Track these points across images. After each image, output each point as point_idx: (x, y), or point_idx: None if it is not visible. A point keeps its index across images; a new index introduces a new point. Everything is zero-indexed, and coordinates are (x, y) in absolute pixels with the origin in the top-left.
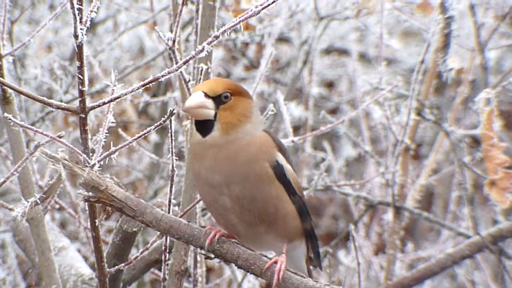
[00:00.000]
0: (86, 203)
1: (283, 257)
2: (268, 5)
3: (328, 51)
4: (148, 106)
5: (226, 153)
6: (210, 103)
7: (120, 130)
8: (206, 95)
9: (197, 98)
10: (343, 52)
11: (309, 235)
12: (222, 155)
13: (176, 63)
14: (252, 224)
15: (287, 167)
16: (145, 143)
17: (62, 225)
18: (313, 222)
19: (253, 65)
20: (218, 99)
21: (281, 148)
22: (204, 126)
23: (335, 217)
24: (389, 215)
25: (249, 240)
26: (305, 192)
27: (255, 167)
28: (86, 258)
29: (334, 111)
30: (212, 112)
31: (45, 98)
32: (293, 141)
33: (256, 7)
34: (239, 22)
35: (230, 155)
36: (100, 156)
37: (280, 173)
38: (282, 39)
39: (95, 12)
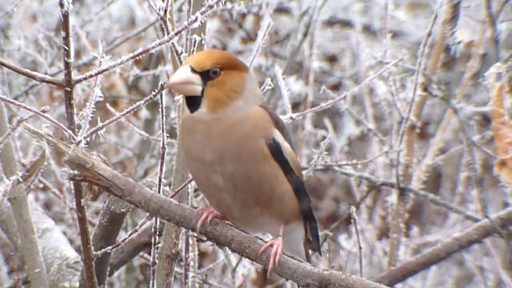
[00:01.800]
0: (72, 182)
1: (279, 240)
2: None
3: (330, 22)
4: (139, 80)
5: (218, 129)
6: (196, 78)
7: (108, 105)
8: (193, 70)
9: (182, 74)
10: (346, 24)
11: (307, 216)
12: (214, 131)
13: (168, 34)
14: (246, 205)
15: (285, 145)
16: (135, 119)
17: (46, 205)
18: (311, 203)
19: (250, 37)
20: (206, 75)
21: (278, 125)
22: (192, 101)
23: (336, 199)
24: (393, 197)
25: (244, 222)
26: (304, 172)
27: (249, 144)
28: (71, 241)
29: (336, 87)
30: (199, 88)
31: (28, 71)
32: (291, 118)
33: None
34: None
35: (222, 131)
36: (86, 132)
37: (276, 151)
38: (281, 9)
39: None
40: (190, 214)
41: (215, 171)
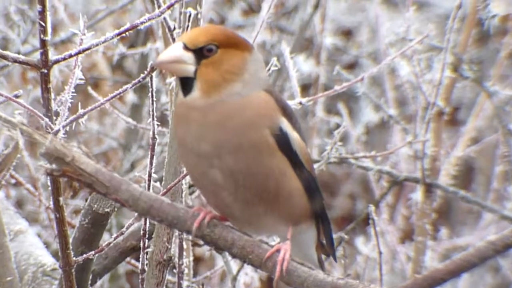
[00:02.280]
0: (49, 178)
1: (288, 244)
2: None
3: None
4: (124, 59)
5: (214, 116)
6: (189, 57)
7: (90, 89)
8: (186, 47)
9: (172, 51)
10: None
11: (320, 217)
12: (210, 119)
13: (159, 7)
14: (249, 204)
15: (294, 135)
16: (120, 104)
17: (19, 203)
18: (324, 201)
19: (252, 9)
20: (200, 53)
21: (286, 112)
22: (186, 84)
23: (352, 196)
24: (418, 194)
25: (246, 223)
26: (316, 166)
27: (251, 135)
28: (47, 245)
29: (351, 66)
30: (191, 68)
31: None
32: (301, 103)
33: None
34: None
35: (220, 119)
36: (65, 120)
37: (284, 143)
38: None
39: None
40: (185, 214)
41: (213, 166)
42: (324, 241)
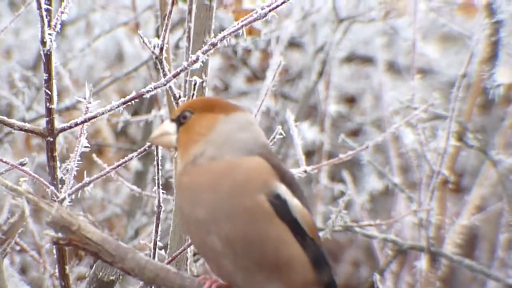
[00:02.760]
0: (54, 246)
1: None
2: (278, 6)
3: (349, 59)
4: (128, 125)
5: (198, 180)
6: (172, 127)
7: (94, 156)
8: (171, 119)
9: (160, 126)
10: (367, 60)
11: (329, 286)
12: (199, 183)
13: (164, 75)
14: (249, 271)
15: (293, 202)
16: (124, 171)
17: (23, 270)
18: (333, 270)
19: (256, 76)
20: (178, 121)
21: (284, 178)
22: None
23: (356, 263)
24: (422, 262)
25: None
26: (320, 234)
27: (244, 200)
28: None
29: (355, 133)
30: (173, 138)
31: (5, 118)
32: (305, 171)
33: (262, 8)
34: (242, 27)
35: (207, 183)
36: (71, 188)
37: (282, 210)
38: (293, 44)
39: (66, 13)
40: (191, 283)
41: (210, 232)
42: None
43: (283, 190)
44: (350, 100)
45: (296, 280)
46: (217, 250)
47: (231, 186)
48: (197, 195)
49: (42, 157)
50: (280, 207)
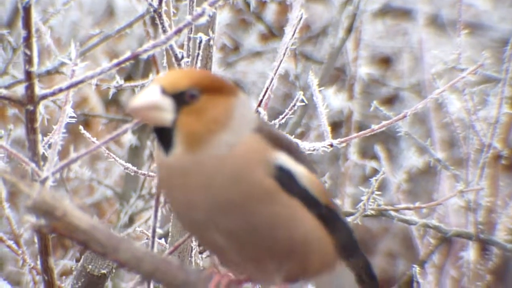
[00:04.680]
0: (36, 234)
1: None
2: None
3: (383, 12)
4: (121, 92)
5: (200, 178)
6: (167, 103)
7: (82, 128)
8: (164, 92)
9: (147, 95)
10: (405, 13)
11: (353, 253)
12: (196, 182)
13: (164, 32)
14: (261, 261)
15: (298, 170)
16: (116, 146)
17: None
18: (355, 234)
19: (273, 33)
20: (181, 99)
21: (283, 145)
22: (164, 137)
23: (391, 254)
24: (470, 252)
25: (267, 281)
26: (349, 219)
27: (244, 186)
28: None
29: (391, 101)
30: (169, 117)
31: None
32: (331, 145)
33: None
34: None
35: (206, 180)
36: (55, 166)
37: (287, 181)
38: None
39: None
40: (196, 278)
41: (209, 229)
42: (366, 280)
43: (283, 159)
44: (385, 61)
45: (314, 259)
46: (220, 245)
47: (228, 177)
48: (192, 196)
49: (20, 130)
50: (285, 179)
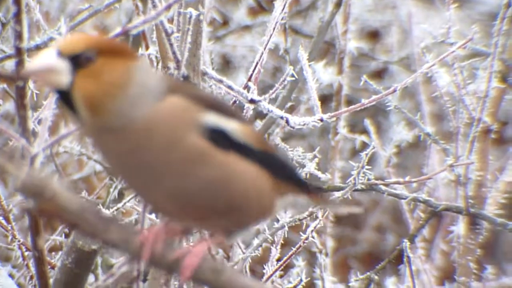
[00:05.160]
0: (26, 214)
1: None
2: None
3: None
4: None
5: (123, 146)
6: (63, 66)
7: None
8: (61, 54)
9: (43, 58)
10: None
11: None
12: (123, 149)
13: (154, 6)
14: (210, 218)
15: (230, 125)
16: None
17: None
18: (295, 167)
19: (262, 7)
20: (77, 61)
21: (209, 104)
22: (68, 101)
23: (381, 228)
24: (460, 227)
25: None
26: (339, 194)
27: (175, 149)
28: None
29: (380, 75)
30: (65, 80)
31: None
32: (321, 120)
33: None
34: None
35: (133, 148)
36: (45, 142)
37: (222, 140)
38: None
39: None
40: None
41: (150, 190)
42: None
43: (212, 118)
44: (374, 35)
45: (255, 210)
46: (164, 205)
47: (157, 141)
48: (124, 161)
49: (7, 106)
50: (218, 137)
